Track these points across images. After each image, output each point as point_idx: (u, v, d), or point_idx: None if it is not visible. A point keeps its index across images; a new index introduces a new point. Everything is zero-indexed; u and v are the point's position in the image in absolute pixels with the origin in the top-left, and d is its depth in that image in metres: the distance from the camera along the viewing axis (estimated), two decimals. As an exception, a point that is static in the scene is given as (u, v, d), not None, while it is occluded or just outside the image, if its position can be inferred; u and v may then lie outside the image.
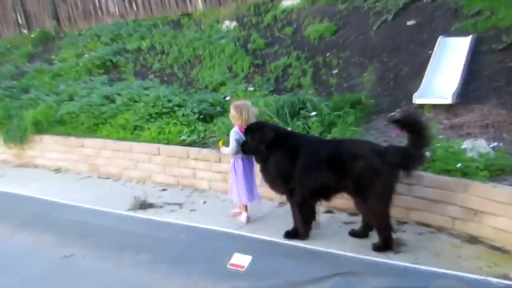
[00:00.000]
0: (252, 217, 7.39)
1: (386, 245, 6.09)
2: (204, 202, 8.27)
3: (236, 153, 6.97)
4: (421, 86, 8.64)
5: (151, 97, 10.49)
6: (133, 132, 10.01)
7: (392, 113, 8.67)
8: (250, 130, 6.66)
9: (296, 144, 6.28)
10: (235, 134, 6.95)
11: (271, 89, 10.70)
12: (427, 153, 6.48)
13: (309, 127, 8.06)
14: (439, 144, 6.98)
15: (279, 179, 6.43)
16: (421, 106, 8.40)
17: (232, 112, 6.99)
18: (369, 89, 9.64)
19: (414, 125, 5.81)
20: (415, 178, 6.49)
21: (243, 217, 7.34)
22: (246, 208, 7.35)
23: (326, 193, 6.33)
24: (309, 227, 6.51)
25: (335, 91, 9.87)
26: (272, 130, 6.50)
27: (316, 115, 8.28)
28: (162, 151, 9.31)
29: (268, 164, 6.53)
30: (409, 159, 5.81)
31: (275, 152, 6.38)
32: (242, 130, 6.85)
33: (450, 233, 6.48)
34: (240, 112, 6.91)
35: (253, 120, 6.93)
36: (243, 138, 6.77)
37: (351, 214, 7.18)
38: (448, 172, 6.56)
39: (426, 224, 6.70)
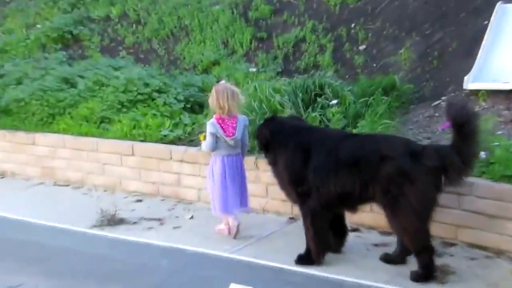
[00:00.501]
0: (255, 236, 7.40)
1: (427, 273, 6.03)
2: (192, 217, 8.28)
3: (213, 150, 7.23)
4: (474, 66, 8.62)
5: (123, 80, 10.51)
6: (100, 126, 10.03)
7: (437, 102, 8.67)
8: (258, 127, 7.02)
9: (309, 140, 6.45)
10: (211, 127, 7.10)
11: (279, 70, 10.71)
12: (481, 155, 6.46)
13: (328, 120, 8.07)
14: (497, 143, 6.95)
15: (288, 184, 6.58)
16: (474, 92, 8.39)
17: (210, 97, 7.18)
18: (406, 70, 9.64)
19: (461, 116, 5.78)
20: (465, 187, 6.46)
21: (221, 227, 7.53)
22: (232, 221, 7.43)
23: (348, 202, 6.37)
24: (323, 246, 6.53)
25: (362, 73, 9.87)
26: (270, 128, 6.74)
27: (337, 104, 8.30)
28: (137, 150, 9.32)
29: (277, 167, 6.69)
30: (452, 162, 5.80)
31: (283, 151, 6.56)
32: (226, 121, 7.09)
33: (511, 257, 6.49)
34: (217, 98, 7.05)
35: (235, 109, 7.12)
36: (220, 132, 7.08)
37: (383, 233, 7.16)
38: (509, 178, 6.55)
39: (480, 247, 6.68)
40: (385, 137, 6.56)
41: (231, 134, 7.12)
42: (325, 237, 6.52)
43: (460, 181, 5.92)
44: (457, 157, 5.75)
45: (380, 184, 5.96)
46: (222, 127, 7.10)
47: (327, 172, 6.21)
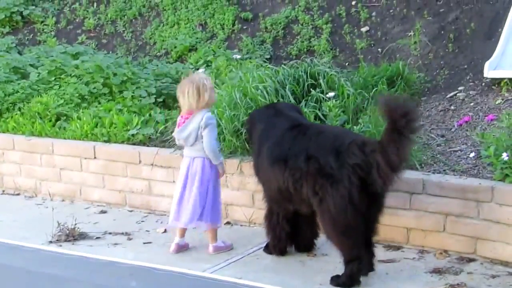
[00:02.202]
0: (239, 252, 7.45)
1: (350, 282, 6.34)
2: (165, 231, 8.31)
3: (179, 144, 7.68)
4: (495, 51, 8.68)
5: (83, 69, 10.54)
6: (56, 124, 10.03)
7: (452, 93, 8.73)
8: None
9: (264, 129, 7.04)
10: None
11: (267, 56, 10.77)
12: (503, 156, 6.59)
13: (325, 116, 8.10)
14: (522, 141, 7.03)
15: (255, 177, 7.28)
16: (496, 81, 8.46)
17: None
18: (416, 56, 9.70)
19: (395, 110, 5.86)
20: (484, 192, 6.61)
21: (219, 244, 7.60)
22: (214, 235, 7.55)
23: (292, 201, 6.75)
24: (278, 241, 7.21)
25: (364, 60, 9.93)
26: (250, 116, 7.50)
27: (334, 97, 8.29)
28: (100, 153, 9.35)
29: None
30: (375, 160, 5.95)
31: (253, 141, 7.36)
32: (183, 117, 7.36)
33: (539, 274, 6.57)
34: (181, 91, 7.33)
35: (197, 106, 7.24)
36: (182, 131, 7.37)
37: (389, 247, 7.29)
38: (536, 182, 6.63)
39: (502, 262, 6.73)
40: (320, 131, 6.70)
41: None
42: (280, 233, 7.13)
43: (384, 183, 6.06)
44: (382, 156, 5.89)
45: (308, 184, 6.37)
46: (179, 123, 7.40)
47: (266, 165, 6.79)
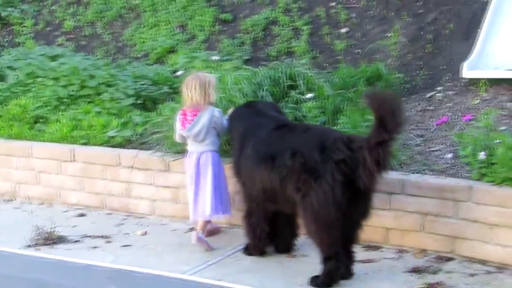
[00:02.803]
0: (219, 254, 7.45)
1: (328, 280, 6.36)
2: (144, 233, 8.32)
3: (180, 141, 7.82)
4: (473, 52, 8.74)
5: (62, 71, 10.51)
6: (34, 127, 10.02)
7: (431, 93, 8.77)
8: None
9: (245, 127, 7.12)
10: (175, 120, 7.67)
11: (247, 57, 10.78)
12: (481, 155, 6.68)
13: (304, 116, 8.14)
14: (498, 140, 7.03)
15: (234, 175, 7.32)
16: (473, 81, 8.51)
17: None
18: (395, 57, 9.73)
19: (382, 107, 5.90)
20: (461, 192, 6.68)
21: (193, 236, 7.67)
22: (203, 226, 7.67)
23: (275, 200, 6.77)
24: (258, 242, 7.25)
25: (343, 61, 9.96)
26: (231, 114, 7.57)
27: (313, 98, 8.35)
28: (79, 155, 9.33)
29: None
30: (362, 157, 5.97)
31: (233, 139, 7.47)
32: (188, 113, 7.48)
33: (518, 273, 6.61)
34: (183, 89, 7.56)
35: (202, 101, 7.41)
36: (193, 127, 7.47)
37: (368, 247, 7.32)
38: (513, 181, 6.68)
39: (480, 261, 6.78)
40: (307, 129, 6.76)
41: (185, 128, 7.47)
42: (260, 233, 7.18)
43: (370, 181, 6.09)
44: (370, 153, 5.91)
45: (292, 181, 6.37)
46: (182, 120, 7.50)
47: (250, 164, 6.82)
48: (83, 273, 7.29)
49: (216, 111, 7.52)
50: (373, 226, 7.08)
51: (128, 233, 8.37)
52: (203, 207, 7.52)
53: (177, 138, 7.75)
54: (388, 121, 5.79)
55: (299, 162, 6.28)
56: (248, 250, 7.36)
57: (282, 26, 11.06)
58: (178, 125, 7.58)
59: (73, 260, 7.59)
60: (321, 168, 6.14)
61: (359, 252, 6.93)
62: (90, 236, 8.31)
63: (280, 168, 6.45)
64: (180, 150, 8.35)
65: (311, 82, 8.65)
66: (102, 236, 8.29)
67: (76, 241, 8.18)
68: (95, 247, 7.99)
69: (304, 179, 6.24)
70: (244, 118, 7.25)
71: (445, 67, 9.09)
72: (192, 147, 7.60)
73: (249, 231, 7.26)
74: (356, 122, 7.91)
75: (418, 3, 10.24)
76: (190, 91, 7.42)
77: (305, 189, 6.24)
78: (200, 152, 7.53)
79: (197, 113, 7.42)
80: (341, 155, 6.08)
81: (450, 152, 7.51)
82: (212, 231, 7.95)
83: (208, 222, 7.72)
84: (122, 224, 8.72)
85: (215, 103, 7.69)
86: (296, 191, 6.33)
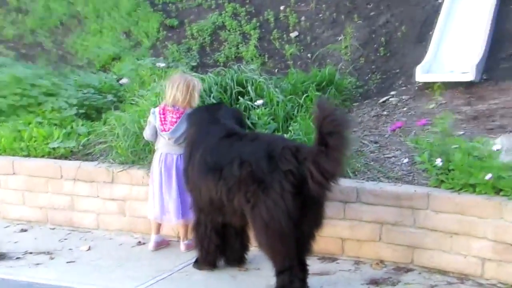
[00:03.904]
0: (167, 269, 7.31)
1: None
2: (89, 249, 8.17)
3: (150, 139, 7.82)
4: (427, 55, 8.77)
5: (2, 81, 10.27)
6: (-29, 139, 9.77)
7: (385, 98, 8.75)
8: None
9: (196, 135, 7.03)
10: (151, 115, 7.68)
11: (194, 64, 10.75)
12: (437, 161, 6.63)
13: (254, 124, 8.05)
14: (456, 145, 7.02)
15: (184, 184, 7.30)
16: (428, 85, 8.49)
17: None
18: (347, 61, 9.72)
19: (329, 124, 5.79)
20: (419, 199, 6.62)
21: (150, 244, 7.83)
22: (185, 232, 7.74)
23: (223, 211, 6.71)
24: (206, 254, 7.15)
25: (294, 66, 9.90)
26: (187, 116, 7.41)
27: (263, 105, 8.29)
28: (20, 168, 9.15)
29: None
30: (308, 167, 5.91)
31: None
32: (169, 113, 7.52)
33: (479, 282, 6.52)
34: (168, 86, 7.60)
35: (184, 103, 7.49)
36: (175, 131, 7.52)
37: (323, 259, 7.22)
38: (472, 187, 6.60)
39: (440, 271, 6.74)
40: (255, 138, 6.72)
41: (166, 129, 7.50)
42: (209, 245, 7.08)
43: (319, 190, 6.03)
44: (314, 164, 5.87)
45: (240, 191, 6.33)
46: (162, 118, 7.54)
47: (198, 173, 6.77)
48: (26, 292, 7.16)
49: None
50: (328, 237, 7.01)
51: (72, 249, 8.22)
52: (173, 210, 7.58)
53: (148, 135, 7.73)
54: (327, 138, 5.74)
55: (246, 171, 6.22)
56: (198, 264, 7.24)
57: (230, 31, 11.05)
58: (156, 123, 7.56)
59: (15, 279, 7.45)
60: (269, 178, 6.10)
61: (313, 264, 6.85)
62: (32, 253, 8.14)
63: (227, 178, 6.39)
64: (125, 161, 8.28)
65: (260, 88, 8.61)
66: (45, 252, 8.13)
67: (18, 258, 8.02)
68: (38, 264, 7.82)
69: (252, 189, 6.18)
70: (196, 123, 7.14)
71: (398, 70, 9.11)
72: (167, 148, 7.59)
73: (198, 243, 7.17)
74: (308, 129, 7.83)
75: (369, 6, 10.28)
76: (173, 89, 7.46)
77: (254, 199, 6.19)
78: (176, 154, 7.54)
79: (180, 115, 7.45)
80: (288, 165, 6.04)
81: (406, 158, 7.46)
82: (160, 243, 7.89)
83: (160, 225, 7.87)
84: (66, 239, 8.56)
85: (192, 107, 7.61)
86: (245, 202, 6.26)
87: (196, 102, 7.56)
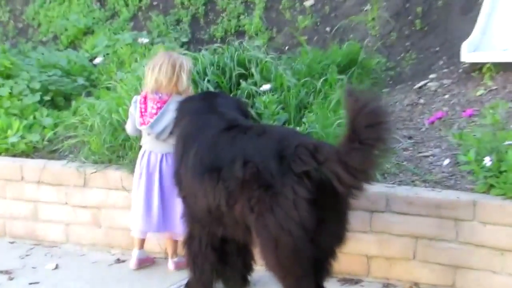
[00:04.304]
0: (156, 286, 7.42)
1: None
2: (56, 267, 8.23)
3: (132, 134, 7.92)
4: (475, 29, 8.78)
5: None
6: None
7: (422, 82, 8.78)
8: None
9: (190, 128, 7.00)
10: (132, 104, 7.73)
11: (185, 39, 10.81)
12: (486, 161, 6.64)
13: (259, 114, 8.07)
14: (509, 142, 7.01)
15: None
16: (476, 66, 8.55)
17: None
18: (375, 36, 9.75)
19: (366, 115, 5.80)
20: (463, 208, 6.63)
21: (132, 262, 7.85)
22: (174, 248, 7.82)
23: (222, 223, 6.64)
24: (200, 276, 7.09)
25: (308, 42, 9.92)
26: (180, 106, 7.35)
27: (271, 90, 8.30)
28: (-30, 168, 9.20)
29: None
30: (332, 169, 5.85)
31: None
32: (150, 102, 7.52)
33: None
34: (151, 65, 7.57)
35: (167, 89, 7.51)
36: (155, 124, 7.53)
37: (344, 281, 7.26)
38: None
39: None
40: (262, 132, 6.61)
41: (146, 122, 7.50)
42: (204, 263, 7.02)
43: (346, 198, 6.06)
44: (342, 163, 5.77)
45: (243, 198, 6.23)
46: (141, 108, 7.56)
47: (192, 175, 6.68)
48: (-20, 321, 7.26)
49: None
50: (351, 254, 7.05)
51: (36, 267, 8.28)
52: (159, 220, 7.61)
53: (130, 130, 7.81)
54: (363, 132, 5.67)
55: (250, 173, 6.15)
56: (191, 286, 7.22)
57: (228, -1, 11.06)
58: (136, 114, 7.58)
59: (-34, 304, 7.55)
60: (279, 182, 6.01)
61: (333, 287, 6.89)
62: (-14, 272, 8.25)
63: (227, 182, 6.33)
64: (99, 160, 8.34)
65: (267, 69, 8.61)
66: (3, 272, 8.17)
67: (-32, 278, 8.12)
68: (-7, 286, 7.92)
69: (257, 195, 6.10)
70: (189, 114, 7.14)
71: (438, 49, 9.13)
72: (151, 145, 7.63)
73: (190, 261, 7.11)
74: (326, 120, 7.87)
75: (403, -33, 10.27)
76: (154, 71, 7.45)
77: (259, 208, 6.10)
78: (162, 153, 7.57)
79: (163, 104, 7.45)
80: (304, 166, 5.95)
81: (447, 158, 7.50)
82: (143, 260, 7.94)
83: (144, 240, 7.86)
84: (28, 255, 8.64)
85: (184, 94, 7.61)
86: (249, 211, 6.20)
87: (184, 86, 7.54)
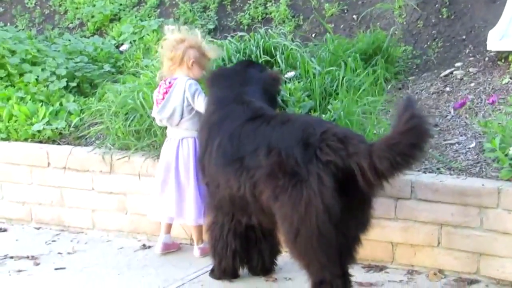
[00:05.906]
0: (178, 278, 7.41)
1: None
2: (82, 253, 8.29)
3: (158, 124, 7.92)
4: (502, 17, 8.76)
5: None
6: None
7: (448, 70, 8.78)
8: None
9: (216, 115, 7.01)
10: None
11: (211, 26, 10.86)
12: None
13: (285, 101, 8.08)
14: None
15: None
16: (502, 55, 8.55)
17: None
18: (401, 24, 9.74)
19: (411, 121, 5.74)
20: (488, 196, 6.64)
21: (157, 246, 7.95)
22: (199, 234, 7.80)
23: (247, 210, 6.71)
24: (224, 262, 7.14)
25: (335, 30, 9.95)
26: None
27: (296, 77, 8.33)
28: (-3, 154, 9.27)
29: None
30: (355, 163, 5.86)
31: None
32: (162, 86, 7.58)
33: None
34: (164, 46, 7.70)
35: (174, 69, 7.59)
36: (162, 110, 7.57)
37: (369, 267, 7.28)
38: (556, 182, 6.68)
39: (513, 284, 6.86)
40: (286, 120, 6.60)
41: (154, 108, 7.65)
42: (225, 250, 7.07)
43: (370, 189, 6.02)
44: (369, 163, 5.77)
45: (267, 186, 6.24)
46: (156, 95, 7.65)
47: (215, 164, 6.75)
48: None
49: (188, 85, 7.47)
50: (376, 241, 7.09)
51: (62, 253, 8.32)
52: (192, 209, 7.61)
53: (157, 122, 7.81)
54: (403, 148, 5.66)
55: (274, 161, 6.16)
56: (215, 273, 7.28)
57: (256, -15, 11.06)
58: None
59: (-8, 289, 7.56)
60: (303, 170, 6.00)
61: (358, 274, 6.89)
62: (13, 257, 8.26)
63: (251, 171, 6.37)
64: (126, 146, 8.37)
65: (293, 57, 8.64)
66: (28, 257, 8.24)
67: (-5, 263, 8.16)
68: (20, 271, 7.90)
69: (282, 184, 6.09)
70: (216, 100, 7.15)
71: (465, 37, 9.11)
72: (168, 131, 7.72)
73: (214, 248, 7.16)
74: (351, 108, 7.88)
75: (430, -46, 10.24)
76: (166, 53, 7.53)
77: (283, 196, 6.09)
78: (179, 139, 7.59)
79: (168, 89, 7.47)
80: (331, 155, 5.92)
81: (472, 145, 7.50)
82: (169, 246, 7.97)
83: (171, 225, 7.90)
84: (54, 241, 8.69)
85: (198, 78, 7.65)
86: (273, 200, 6.20)
87: (190, 61, 7.53)
